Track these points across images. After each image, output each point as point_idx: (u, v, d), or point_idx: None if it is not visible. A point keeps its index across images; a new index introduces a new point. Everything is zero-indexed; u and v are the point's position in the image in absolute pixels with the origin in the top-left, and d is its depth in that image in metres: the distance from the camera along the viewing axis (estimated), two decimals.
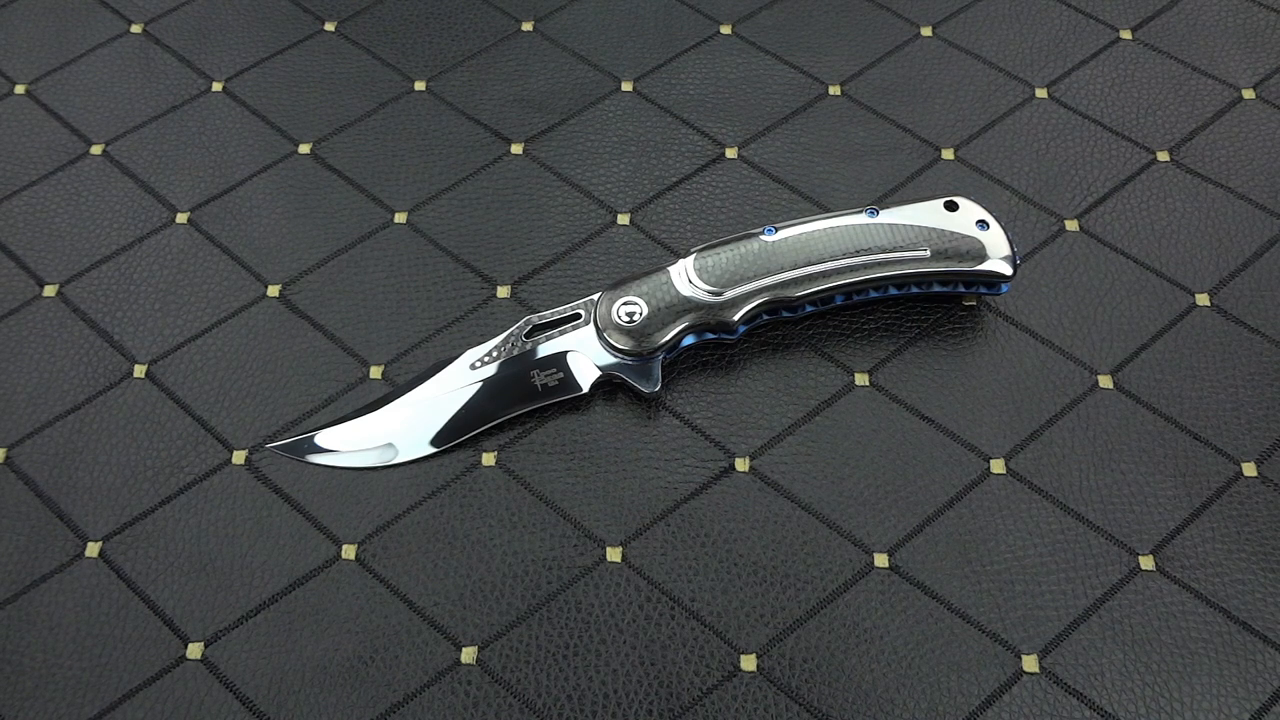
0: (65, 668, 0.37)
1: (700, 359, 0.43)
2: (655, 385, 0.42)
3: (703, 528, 0.40)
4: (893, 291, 0.43)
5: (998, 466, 0.41)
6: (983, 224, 0.43)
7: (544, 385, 0.42)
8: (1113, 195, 0.47)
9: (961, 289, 0.43)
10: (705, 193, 0.47)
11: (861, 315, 0.44)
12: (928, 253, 0.42)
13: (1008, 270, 0.42)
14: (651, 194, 0.47)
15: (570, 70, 0.51)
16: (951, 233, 0.42)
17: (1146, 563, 0.39)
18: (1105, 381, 0.42)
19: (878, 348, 0.43)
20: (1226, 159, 0.48)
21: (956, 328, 0.44)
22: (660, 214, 0.47)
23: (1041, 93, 0.50)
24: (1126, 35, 0.52)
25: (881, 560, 0.39)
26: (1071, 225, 0.46)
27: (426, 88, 0.51)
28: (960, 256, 0.42)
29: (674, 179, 0.48)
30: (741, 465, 0.41)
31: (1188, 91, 0.50)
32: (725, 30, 0.52)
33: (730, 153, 0.48)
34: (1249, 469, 0.40)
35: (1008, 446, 0.41)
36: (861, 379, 0.43)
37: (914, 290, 0.43)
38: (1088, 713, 0.36)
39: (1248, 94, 0.50)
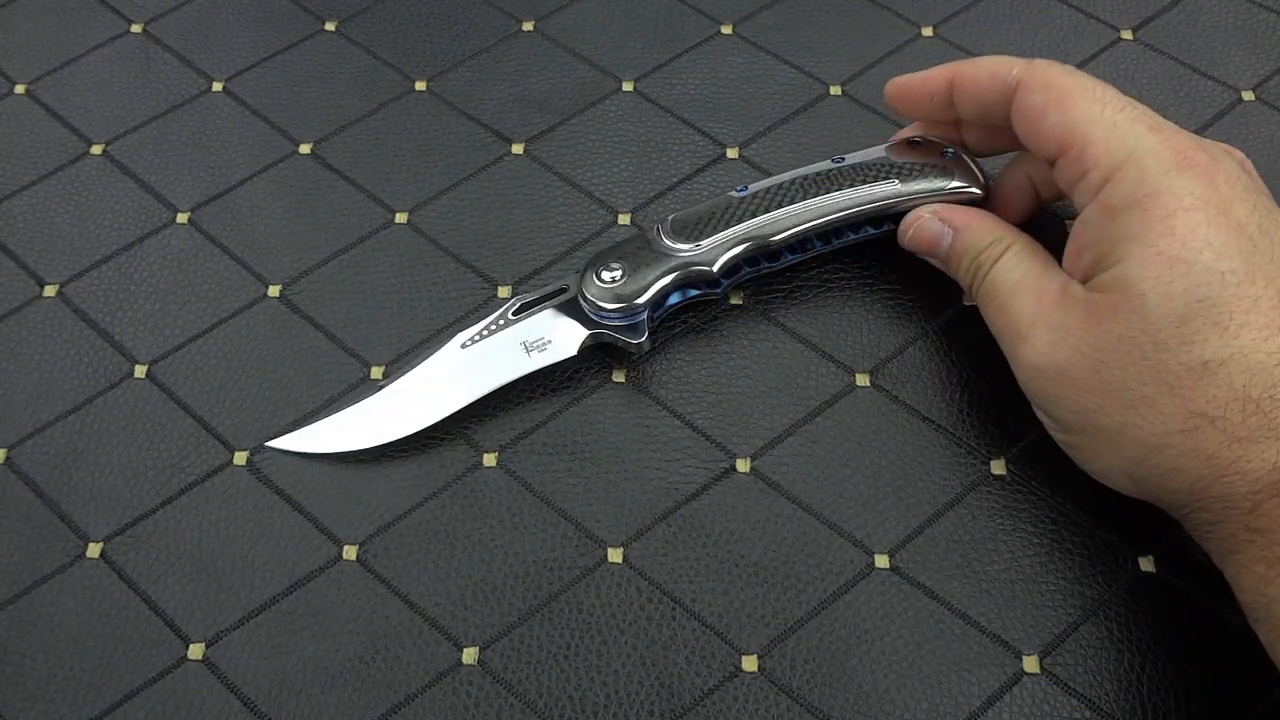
0: (66, 668, 0.37)
1: (701, 358, 0.43)
2: (642, 337, 0.42)
3: (704, 528, 0.40)
4: (870, 231, 0.44)
5: (998, 467, 0.41)
6: (948, 153, 0.44)
7: (533, 353, 0.42)
8: None
9: None
10: (706, 193, 0.47)
11: (862, 312, 0.44)
12: (898, 184, 0.43)
13: (977, 191, 0.43)
14: (652, 194, 0.47)
15: (571, 70, 0.51)
16: (918, 163, 0.43)
17: (1146, 563, 0.39)
18: None
19: (878, 348, 0.43)
20: None
21: (959, 328, 0.44)
22: (661, 214, 0.47)
23: None
24: (1127, 35, 0.52)
25: (882, 561, 0.39)
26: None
27: (427, 88, 0.51)
28: (929, 183, 0.43)
29: (675, 179, 0.48)
30: (742, 466, 0.41)
31: (1188, 93, 0.50)
32: (726, 30, 0.52)
33: (731, 153, 0.48)
34: None
35: (1009, 447, 0.41)
36: (862, 379, 0.43)
37: (890, 228, 0.44)
38: (1088, 713, 0.36)
39: (1248, 95, 0.50)
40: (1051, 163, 0.39)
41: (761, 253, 0.43)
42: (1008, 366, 0.43)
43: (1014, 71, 0.40)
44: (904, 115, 0.46)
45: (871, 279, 0.45)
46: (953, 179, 0.43)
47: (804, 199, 0.43)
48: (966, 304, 0.44)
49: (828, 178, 0.43)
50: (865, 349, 0.43)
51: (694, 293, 0.43)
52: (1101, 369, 0.36)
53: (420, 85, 0.51)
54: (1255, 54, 0.51)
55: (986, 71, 0.41)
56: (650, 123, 0.49)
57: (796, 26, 0.52)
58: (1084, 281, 0.38)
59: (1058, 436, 0.39)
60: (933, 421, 0.42)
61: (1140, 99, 0.49)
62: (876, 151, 0.44)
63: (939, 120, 0.44)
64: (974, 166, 0.44)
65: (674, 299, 0.43)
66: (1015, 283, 0.39)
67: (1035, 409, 0.39)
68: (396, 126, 0.50)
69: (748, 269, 0.43)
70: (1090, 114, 0.38)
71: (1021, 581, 0.38)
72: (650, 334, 0.43)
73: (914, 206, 0.43)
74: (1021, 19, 0.52)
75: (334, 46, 0.52)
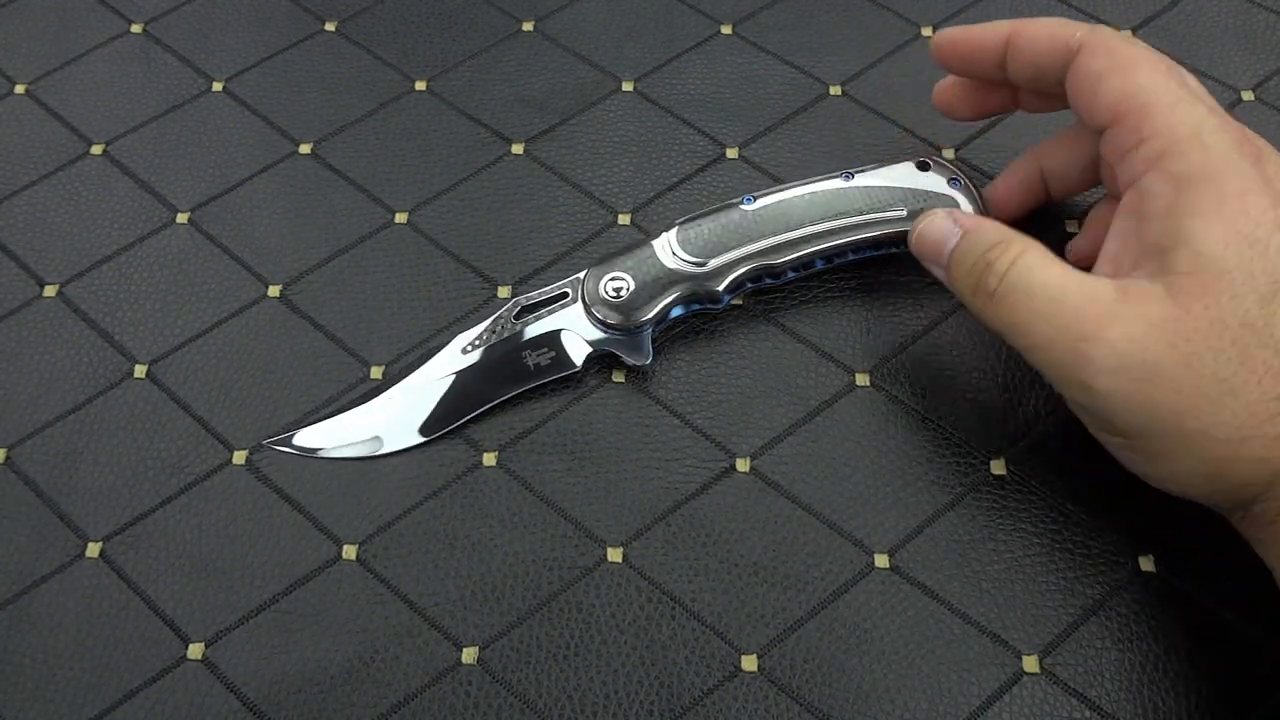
0: (66, 668, 0.37)
1: (700, 358, 0.43)
2: (646, 358, 0.42)
3: (703, 528, 0.40)
4: (870, 253, 0.44)
5: (998, 467, 0.41)
6: (955, 181, 0.44)
7: (536, 365, 0.42)
8: None
9: None
10: (706, 193, 0.47)
11: (862, 313, 0.44)
12: (904, 212, 0.43)
13: None
14: (652, 194, 0.47)
15: (571, 70, 0.51)
16: (925, 191, 0.43)
17: (1146, 563, 0.39)
18: None
19: (878, 348, 0.43)
20: None
21: (958, 328, 0.44)
22: (661, 214, 0.47)
23: None
24: (1127, 35, 0.52)
25: (882, 560, 0.39)
26: (1072, 226, 0.46)
27: (427, 88, 0.51)
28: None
29: (675, 179, 0.48)
30: (742, 465, 0.41)
31: None
32: (726, 30, 0.52)
33: (731, 153, 0.48)
34: None
35: (1009, 447, 0.41)
36: (862, 379, 0.43)
37: (893, 250, 0.44)
38: (1088, 713, 0.36)
39: (1247, 95, 0.50)
40: (1100, 131, 0.38)
41: (766, 272, 0.43)
42: (1007, 366, 0.43)
43: (1076, 35, 0.39)
44: (950, 70, 0.44)
45: (871, 279, 0.45)
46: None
47: (812, 225, 0.43)
48: None
49: (836, 199, 0.43)
50: (865, 348, 0.43)
51: (696, 306, 0.43)
52: (1193, 361, 0.34)
53: (420, 85, 0.51)
54: (1255, 54, 0.51)
55: (1046, 32, 0.39)
56: (650, 123, 0.49)
57: (796, 26, 0.52)
58: (1140, 259, 0.36)
59: (1115, 441, 0.37)
60: (933, 421, 0.42)
61: None
62: (885, 174, 0.44)
63: (986, 78, 0.43)
64: (978, 197, 0.43)
65: (677, 311, 0.43)
66: (1056, 286, 0.36)
67: (1084, 414, 0.37)
68: (396, 126, 0.50)
69: (750, 284, 0.43)
70: (1153, 84, 0.37)
71: (1021, 581, 0.38)
72: (652, 344, 0.43)
73: None
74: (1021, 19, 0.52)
75: (334, 46, 0.52)
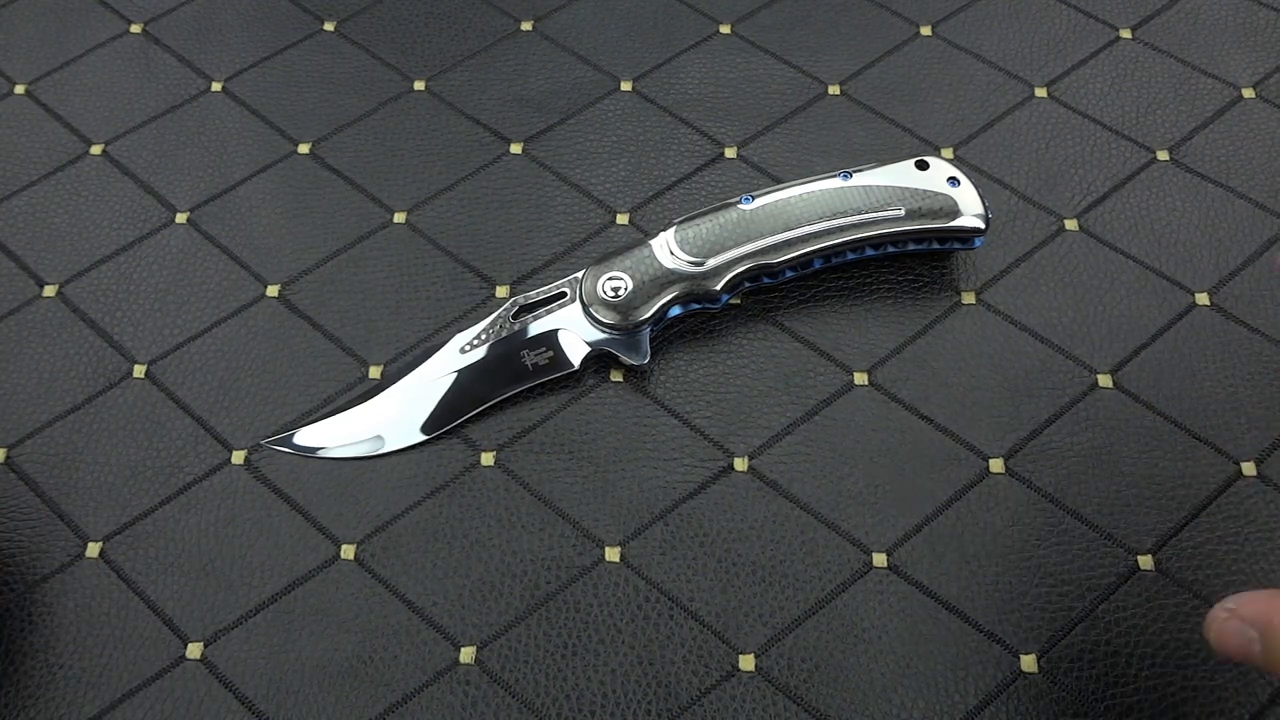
0: (65, 667, 0.37)
1: (699, 357, 0.43)
2: (644, 358, 0.42)
3: (701, 527, 0.40)
4: (870, 252, 0.44)
5: (997, 466, 0.41)
6: (953, 181, 0.43)
7: (534, 364, 0.42)
8: (1112, 194, 0.47)
9: (936, 246, 0.44)
10: (705, 192, 0.47)
11: (860, 312, 0.44)
12: (902, 212, 0.43)
13: (980, 225, 0.43)
14: (651, 194, 0.47)
15: (570, 70, 0.51)
16: (924, 191, 0.43)
17: (1145, 562, 0.39)
18: (1105, 381, 0.42)
19: (878, 347, 0.43)
20: (1226, 158, 0.48)
21: (957, 327, 0.44)
22: (660, 213, 0.47)
23: (1041, 92, 0.50)
24: (1126, 35, 0.52)
25: (880, 560, 0.39)
26: (1071, 224, 0.46)
27: (426, 87, 0.51)
28: (934, 214, 0.43)
29: (673, 179, 0.48)
30: (740, 465, 0.41)
31: (1188, 91, 0.50)
32: (725, 30, 0.52)
33: (730, 152, 0.48)
34: (1248, 468, 0.40)
35: (1007, 446, 0.41)
36: (861, 378, 0.43)
37: (890, 250, 0.44)
38: (1085, 712, 0.36)
39: (1248, 93, 0.50)
40: None
41: (764, 271, 0.43)
42: (1006, 366, 0.43)
43: None
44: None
45: (869, 278, 0.45)
46: (956, 214, 0.43)
47: (809, 224, 0.43)
48: (965, 303, 0.44)
49: (834, 199, 0.43)
50: (863, 348, 0.43)
51: (694, 306, 0.43)
52: None
53: (419, 85, 0.51)
54: (1255, 51, 0.51)
55: None
56: (649, 122, 0.49)
57: (795, 26, 0.52)
58: None
59: None
60: (931, 420, 0.42)
61: (1140, 98, 0.50)
62: (884, 172, 0.44)
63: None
64: (980, 199, 0.43)
65: (675, 311, 0.43)
66: None
67: None
68: (395, 126, 0.50)
69: (748, 283, 0.43)
70: None
71: (1019, 581, 0.38)
72: (650, 343, 0.43)
73: (916, 236, 0.43)
74: (1021, 18, 0.52)
75: (333, 46, 0.52)
